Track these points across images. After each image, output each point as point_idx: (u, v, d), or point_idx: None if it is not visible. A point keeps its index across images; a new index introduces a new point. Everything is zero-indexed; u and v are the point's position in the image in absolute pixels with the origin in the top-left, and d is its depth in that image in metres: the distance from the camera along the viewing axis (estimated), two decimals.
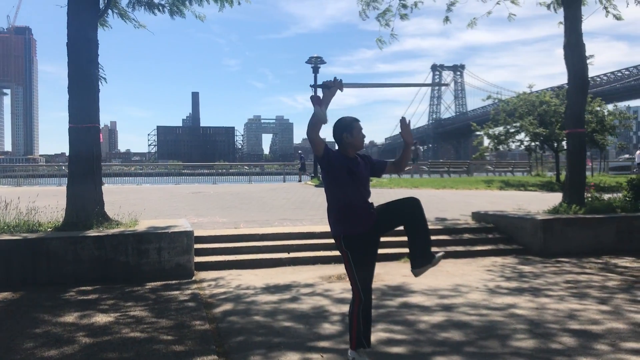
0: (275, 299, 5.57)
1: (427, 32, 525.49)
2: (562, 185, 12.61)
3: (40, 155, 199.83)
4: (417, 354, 3.90)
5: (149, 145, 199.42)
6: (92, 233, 6.80)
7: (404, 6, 12.03)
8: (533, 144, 22.78)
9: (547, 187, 20.27)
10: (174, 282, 6.40)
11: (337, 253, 5.49)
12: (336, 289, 5.95)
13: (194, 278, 6.65)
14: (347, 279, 3.56)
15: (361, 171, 3.53)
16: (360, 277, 3.45)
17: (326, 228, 5.86)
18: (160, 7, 9.45)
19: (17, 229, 7.01)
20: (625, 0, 11.46)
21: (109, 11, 9.02)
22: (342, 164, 3.45)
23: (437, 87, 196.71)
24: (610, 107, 23.92)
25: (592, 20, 14.85)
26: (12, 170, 33.17)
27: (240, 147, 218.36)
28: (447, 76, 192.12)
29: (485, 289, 6.00)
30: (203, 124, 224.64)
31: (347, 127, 3.50)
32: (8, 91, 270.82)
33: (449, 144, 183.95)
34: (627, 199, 10.02)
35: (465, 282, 6.36)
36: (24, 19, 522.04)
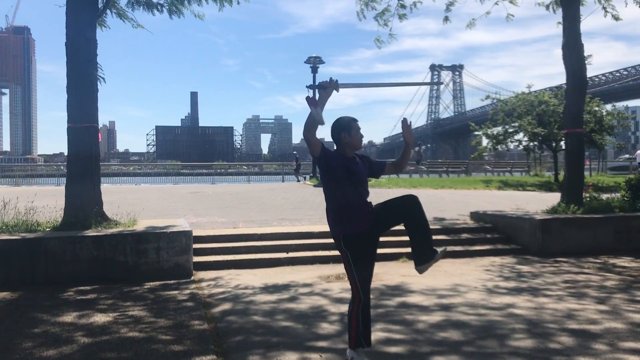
0: (274, 299, 5.57)
1: (425, 32, 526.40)
2: (560, 185, 12.64)
3: (38, 155, 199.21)
4: (416, 354, 3.90)
5: (148, 145, 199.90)
6: (91, 233, 6.79)
7: (403, 6, 11.97)
8: (531, 144, 22.79)
9: (546, 187, 20.31)
10: (172, 281, 6.40)
11: (335, 253, 5.50)
12: (335, 289, 5.95)
13: (192, 278, 6.65)
14: (346, 278, 3.56)
15: (359, 171, 3.53)
16: (360, 276, 3.46)
17: (325, 228, 5.87)
18: (159, 7, 9.43)
19: (15, 229, 7.00)
20: (623, 1, 11.46)
21: (108, 11, 9.00)
22: (340, 164, 3.46)
23: (435, 87, 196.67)
24: (608, 107, 23.90)
25: (590, 21, 14.79)
26: (10, 170, 33.23)
27: (239, 147, 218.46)
28: (446, 76, 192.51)
29: (483, 288, 6.01)
30: (202, 123, 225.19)
31: (346, 127, 3.51)
32: (7, 91, 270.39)
33: (447, 144, 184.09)
34: (626, 199, 10.04)
35: (464, 281, 6.37)
36: (23, 19, 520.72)
